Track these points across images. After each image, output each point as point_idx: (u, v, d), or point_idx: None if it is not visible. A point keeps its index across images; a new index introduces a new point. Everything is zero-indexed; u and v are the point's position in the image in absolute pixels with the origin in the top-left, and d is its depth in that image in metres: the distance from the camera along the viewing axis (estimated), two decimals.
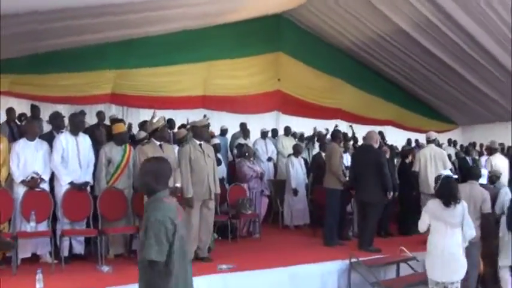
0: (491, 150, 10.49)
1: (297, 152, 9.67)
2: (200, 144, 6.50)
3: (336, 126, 11.57)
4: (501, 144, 11.94)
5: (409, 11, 10.59)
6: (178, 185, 6.26)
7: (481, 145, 14.37)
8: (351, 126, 12.62)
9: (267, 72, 12.67)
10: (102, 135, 7.91)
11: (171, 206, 3.03)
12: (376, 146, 7.97)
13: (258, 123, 11.84)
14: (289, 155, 9.93)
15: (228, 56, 11.73)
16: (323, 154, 9.27)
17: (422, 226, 5.37)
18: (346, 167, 8.95)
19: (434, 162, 8.49)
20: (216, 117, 11.54)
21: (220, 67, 11.73)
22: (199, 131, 6.62)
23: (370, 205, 7.62)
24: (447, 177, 5.38)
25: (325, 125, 12.39)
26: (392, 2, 10.44)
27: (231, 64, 11.88)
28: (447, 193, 5.19)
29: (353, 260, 6.37)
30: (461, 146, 15.12)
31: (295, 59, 12.98)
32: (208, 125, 6.94)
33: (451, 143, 14.98)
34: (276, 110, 13.12)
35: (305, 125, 12.82)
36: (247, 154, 8.69)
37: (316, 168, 9.47)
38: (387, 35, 11.92)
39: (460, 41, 11.12)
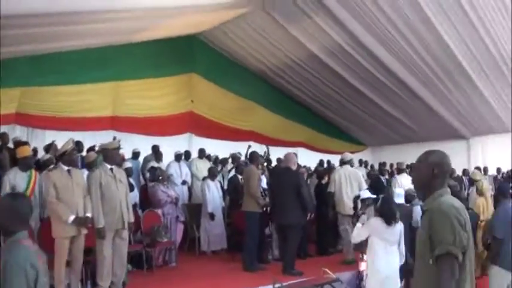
0: (399, 170, 10.91)
1: (212, 175, 9.42)
2: (111, 169, 6.10)
3: (249, 146, 11.49)
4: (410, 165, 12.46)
5: (322, 38, 10.81)
6: (88, 214, 5.80)
7: (391, 165, 14.93)
8: (267, 147, 12.57)
9: (179, 93, 12.37)
10: (5, 159, 7.24)
11: (31, 249, 2.64)
12: (294, 168, 7.93)
13: (170, 145, 11.46)
14: (204, 178, 9.67)
15: (140, 76, 11.27)
16: (239, 177, 9.12)
17: (357, 239, 5.60)
18: (264, 189, 8.84)
19: (350, 183, 8.56)
20: (127, 139, 11.00)
21: (132, 87, 11.24)
22: (110, 154, 6.22)
23: (290, 227, 7.54)
24: (386, 197, 5.66)
25: (239, 147, 12.29)
26: (306, 29, 10.60)
27: (142, 84, 11.42)
28: (389, 212, 5.33)
29: (277, 285, 6.15)
30: (372, 166, 15.62)
31: (209, 80, 12.79)
32: (119, 148, 6.49)
33: (362, 163, 15.44)
34: (189, 132, 12.82)
35: (219, 147, 12.65)
36: (160, 178, 8.26)
37: (232, 191, 9.31)
38: (300, 60, 12.13)
39: (370, 67, 11.51)
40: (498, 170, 13.93)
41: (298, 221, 7.54)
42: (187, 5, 8.08)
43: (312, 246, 9.28)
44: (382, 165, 14.86)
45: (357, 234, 5.60)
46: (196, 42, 12.40)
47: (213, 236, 9.09)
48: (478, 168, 13.08)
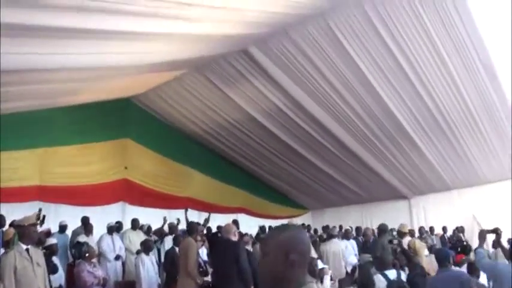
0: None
1: (146, 248, 8.65)
2: (27, 250, 5.26)
3: (187, 209, 10.95)
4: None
5: (259, 100, 10.61)
6: None
7: (315, 230, 14.60)
8: (209, 213, 11.98)
9: (112, 159, 11.63)
10: None
11: None
12: (235, 238, 7.36)
13: (102, 216, 10.65)
14: (138, 252, 8.89)
15: (69, 142, 10.51)
16: (177, 249, 8.40)
17: None
18: (205, 262, 8.20)
19: None
20: (55, 211, 10.13)
21: (60, 154, 10.39)
22: (27, 232, 5.32)
23: None
24: (363, 265, 5.62)
25: (176, 215, 11.63)
26: (243, 91, 10.38)
27: (71, 151, 10.61)
28: (366, 281, 5.20)
29: None
30: (316, 230, 15.24)
31: (143, 145, 12.21)
32: (36, 224, 5.67)
33: (305, 227, 15.04)
34: (122, 200, 11.98)
35: (155, 216, 11.92)
36: (87, 255, 7.34)
37: (169, 266, 8.51)
38: (238, 122, 11.86)
39: (310, 129, 11.43)
40: (444, 228, 13.85)
41: None
42: (117, 66, 7.55)
43: None
44: (325, 228, 14.56)
45: None
46: (130, 105, 11.89)
47: None
48: (422, 228, 12.97)
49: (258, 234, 12.70)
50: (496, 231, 6.22)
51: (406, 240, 10.10)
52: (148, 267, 8.44)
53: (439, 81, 9.44)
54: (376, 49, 8.74)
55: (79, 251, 7.70)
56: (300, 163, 13.46)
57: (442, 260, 5.25)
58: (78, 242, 8.36)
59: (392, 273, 5.61)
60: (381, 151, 12.06)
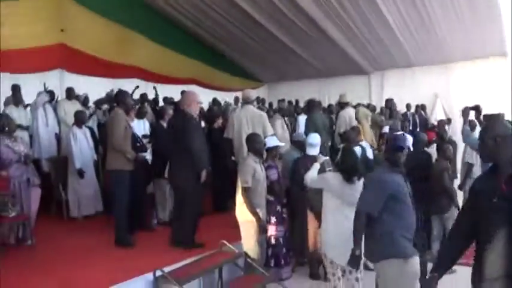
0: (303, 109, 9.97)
1: (78, 120, 7.78)
2: None
3: (137, 87, 10.27)
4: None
5: None
6: None
7: (289, 102, 14.09)
8: (154, 88, 11.09)
9: (46, 21, 10.08)
10: None
11: None
12: (194, 110, 6.21)
13: (37, 85, 9.59)
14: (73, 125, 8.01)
15: None
16: None
17: (311, 184, 5.07)
18: (144, 136, 7.43)
19: (252, 127, 7.08)
20: None
21: None
22: None
23: (183, 190, 5.99)
24: (347, 147, 4.85)
25: (122, 85, 10.65)
26: None
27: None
28: (350, 167, 4.55)
29: (158, 273, 4.90)
30: (270, 104, 14.65)
31: (83, 6, 10.62)
32: None
33: (259, 101, 14.37)
34: (60, 68, 10.79)
35: (98, 86, 10.96)
36: (6, 129, 6.23)
37: (105, 141, 7.61)
38: None
39: None
40: (408, 106, 13.44)
41: (193, 183, 5.93)
42: None
43: (208, 201, 7.87)
44: (281, 102, 13.98)
45: (312, 180, 5.03)
46: None
47: (84, 197, 7.64)
48: (389, 100, 12.45)
49: (210, 107, 11.98)
50: (477, 108, 6.22)
51: (347, 112, 9.69)
52: (82, 141, 7.68)
53: None
54: None
55: None
56: (257, 31, 12.33)
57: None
58: None
59: (357, 150, 5.19)
60: (346, 23, 11.09)
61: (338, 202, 4.53)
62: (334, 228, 4.51)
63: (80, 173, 7.53)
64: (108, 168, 6.18)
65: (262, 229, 5.49)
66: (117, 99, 6.50)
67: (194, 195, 5.99)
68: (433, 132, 10.44)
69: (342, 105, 10.19)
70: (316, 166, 5.32)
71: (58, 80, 10.86)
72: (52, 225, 7.29)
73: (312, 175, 5.14)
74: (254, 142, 5.67)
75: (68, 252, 6.00)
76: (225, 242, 5.67)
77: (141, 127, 7.91)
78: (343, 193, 4.50)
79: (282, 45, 12.97)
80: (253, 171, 5.42)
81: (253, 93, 7.90)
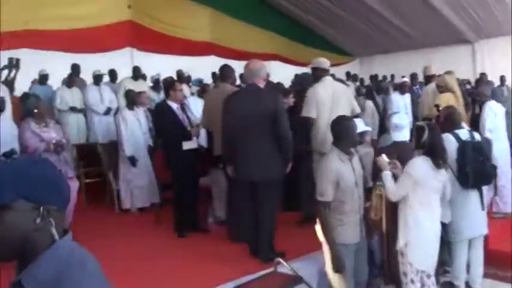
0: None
1: (129, 101, 7.06)
2: None
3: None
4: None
5: None
6: None
7: (384, 78, 12.69)
8: None
9: None
10: None
11: None
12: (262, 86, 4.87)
13: (105, 64, 9.31)
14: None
15: None
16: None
17: (400, 192, 3.76)
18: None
19: (336, 106, 5.28)
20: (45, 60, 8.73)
21: None
22: None
23: (264, 186, 4.70)
24: (433, 126, 3.89)
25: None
26: None
27: None
28: (439, 148, 3.75)
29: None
30: (362, 80, 13.35)
31: None
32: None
33: (350, 77, 13.10)
34: (129, 46, 10.35)
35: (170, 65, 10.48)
36: (36, 111, 5.50)
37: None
38: None
39: None
40: (502, 78, 11.57)
41: (278, 175, 4.75)
42: None
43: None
44: (374, 78, 12.62)
45: (401, 186, 3.74)
46: None
47: (137, 188, 6.88)
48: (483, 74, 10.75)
49: (292, 83, 10.85)
50: None
51: (432, 87, 7.92)
52: (133, 125, 6.85)
53: None
54: None
55: (28, 106, 6.04)
56: (347, 1, 11.24)
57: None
58: (25, 93, 6.74)
59: (464, 133, 4.40)
60: None
61: (423, 193, 3.71)
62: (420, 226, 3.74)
63: (132, 161, 6.75)
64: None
65: (337, 267, 3.64)
66: (224, 74, 5.78)
67: (276, 192, 4.85)
68: None
69: (427, 78, 8.52)
70: (388, 177, 3.87)
71: (129, 60, 10.42)
72: (101, 218, 6.66)
73: (390, 188, 3.81)
74: (345, 128, 3.78)
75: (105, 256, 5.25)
76: (281, 260, 4.06)
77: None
78: (431, 181, 3.73)
79: (375, 14, 11.81)
80: (335, 177, 3.65)
81: (325, 61, 5.74)
